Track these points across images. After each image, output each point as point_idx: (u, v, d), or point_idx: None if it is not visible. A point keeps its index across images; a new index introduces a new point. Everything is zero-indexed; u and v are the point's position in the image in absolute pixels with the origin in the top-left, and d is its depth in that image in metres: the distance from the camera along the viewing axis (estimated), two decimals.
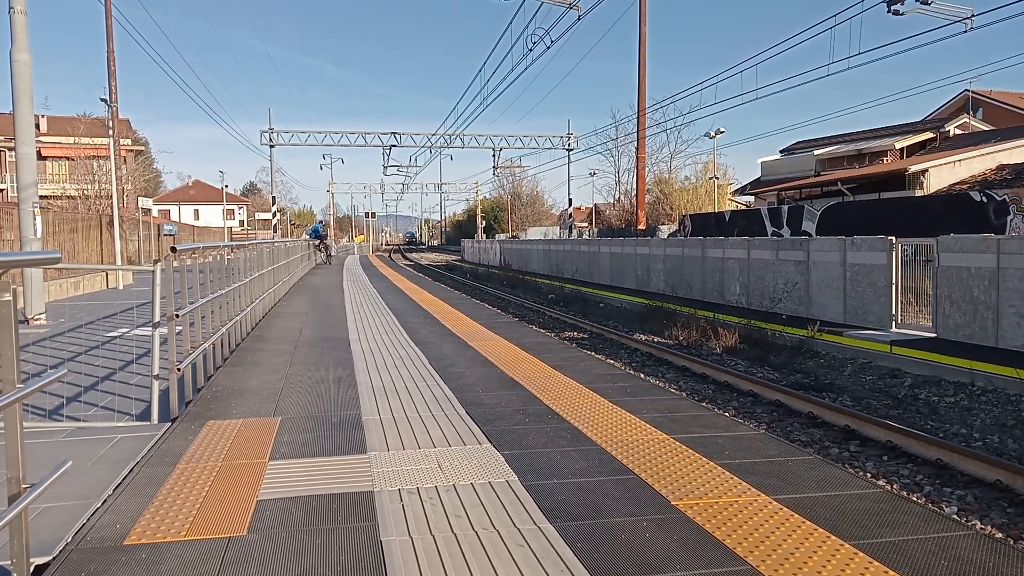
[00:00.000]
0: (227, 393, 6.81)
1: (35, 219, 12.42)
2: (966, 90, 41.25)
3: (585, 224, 73.93)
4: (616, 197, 65.52)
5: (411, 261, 58.86)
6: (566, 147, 47.30)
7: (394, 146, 48.11)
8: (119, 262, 22.15)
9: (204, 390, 6.94)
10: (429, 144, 49.21)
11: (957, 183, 26.78)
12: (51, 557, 3.41)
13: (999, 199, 19.66)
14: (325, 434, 5.40)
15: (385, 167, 52.04)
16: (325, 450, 5.01)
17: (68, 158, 40.82)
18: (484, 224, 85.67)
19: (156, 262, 6.06)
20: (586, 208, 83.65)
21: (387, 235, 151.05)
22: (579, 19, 22.31)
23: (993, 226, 18.90)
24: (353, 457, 4.85)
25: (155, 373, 5.87)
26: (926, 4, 17.99)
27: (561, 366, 8.07)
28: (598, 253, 27.77)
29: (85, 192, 35.19)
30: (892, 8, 17.86)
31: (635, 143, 33.39)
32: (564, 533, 3.63)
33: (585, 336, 16.10)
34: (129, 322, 12.51)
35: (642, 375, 10.99)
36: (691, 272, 20.30)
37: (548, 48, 23.21)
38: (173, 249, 6.30)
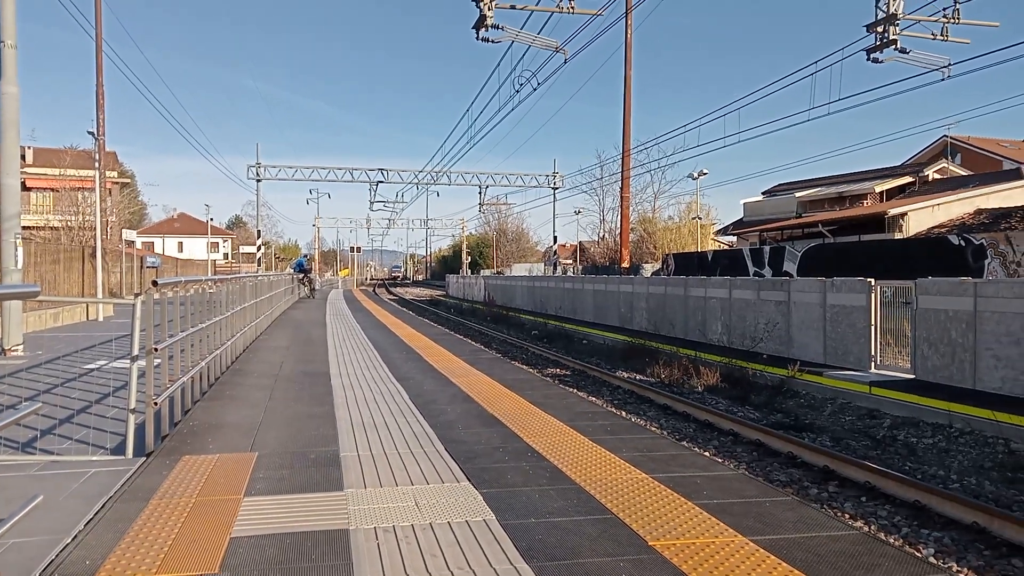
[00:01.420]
0: (204, 428, 6.75)
1: (17, 250, 12.36)
2: (945, 136, 42.05)
3: (570, 261, 74.24)
4: (601, 235, 65.91)
5: (395, 296, 58.76)
6: (552, 186, 47.67)
7: (381, 182, 48.32)
8: (101, 294, 21.99)
9: (181, 424, 6.88)
10: (416, 181, 49.44)
11: (936, 227, 27.17)
12: None
13: (977, 243, 19.95)
14: (302, 470, 5.36)
15: (371, 203, 52.17)
16: (301, 487, 4.97)
17: (53, 189, 40.62)
18: (469, 260, 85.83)
19: (137, 295, 6.04)
20: (571, 245, 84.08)
21: (372, 269, 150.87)
22: (565, 63, 22.60)
23: (971, 269, 19.15)
24: (330, 494, 4.81)
25: (132, 407, 5.81)
26: (904, 53, 18.39)
27: (542, 403, 8.06)
28: (582, 290, 27.87)
29: (69, 223, 34.98)
30: (872, 56, 18.25)
31: (620, 183, 33.74)
32: (541, 574, 3.61)
33: (567, 373, 16.09)
34: (108, 354, 12.40)
35: (623, 413, 10.98)
36: (673, 310, 20.39)
37: (535, 89, 23.45)
38: (154, 282, 6.28)
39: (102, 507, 4.53)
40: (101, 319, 20.81)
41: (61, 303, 19.48)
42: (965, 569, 5.67)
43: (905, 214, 27.41)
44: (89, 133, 25.81)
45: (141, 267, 32.31)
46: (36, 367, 10.85)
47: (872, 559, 3.85)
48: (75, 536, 4.05)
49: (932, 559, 5.78)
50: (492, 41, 20.75)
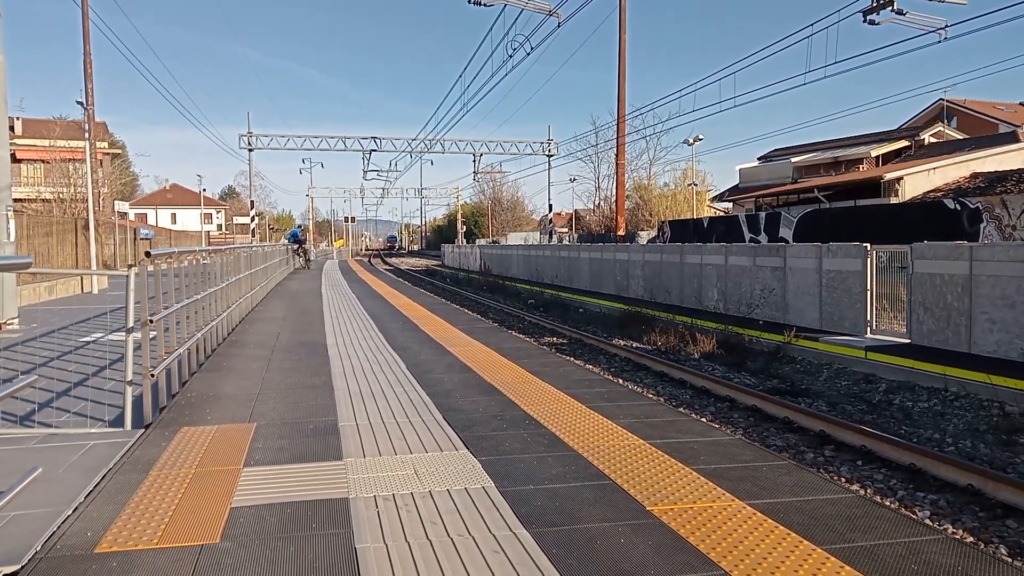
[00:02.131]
0: (202, 399, 6.75)
1: (8, 222, 12.27)
2: (941, 99, 41.87)
3: (565, 229, 74.09)
4: (596, 203, 65.77)
5: (391, 266, 58.69)
6: (546, 153, 47.44)
7: (374, 151, 48.05)
8: (94, 266, 21.91)
9: (179, 396, 6.88)
10: (409, 149, 49.19)
11: (932, 191, 27.12)
12: (19, 566, 3.36)
13: (972, 207, 19.94)
14: (301, 440, 5.37)
15: (365, 172, 51.93)
16: (300, 456, 4.98)
17: (43, 161, 40.28)
18: (464, 229, 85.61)
19: (130, 266, 6.00)
20: (566, 213, 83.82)
21: (367, 240, 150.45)
22: (559, 26, 22.39)
23: (966, 233, 19.16)
24: (329, 463, 4.83)
25: (129, 379, 5.80)
26: (901, 14, 18.21)
27: (539, 371, 8.08)
28: (578, 258, 27.85)
29: (60, 195, 34.76)
30: (868, 18, 18.07)
31: (615, 149, 33.54)
32: (540, 539, 3.63)
33: (564, 341, 16.12)
34: (103, 327, 12.38)
35: (620, 380, 11.02)
36: (669, 278, 20.40)
37: (529, 54, 23.26)
38: (147, 254, 6.24)
39: (102, 479, 4.54)
40: (96, 291, 20.75)
41: (55, 275, 19.41)
42: (960, 531, 5.73)
43: (901, 178, 27.34)
44: (78, 103, 25.57)
45: (134, 239, 32.21)
46: (32, 340, 10.83)
47: (868, 522, 3.88)
48: (75, 508, 4.06)
49: (928, 521, 5.84)
50: (484, 4, 20.54)
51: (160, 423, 5.87)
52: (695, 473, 4.63)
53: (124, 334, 5.92)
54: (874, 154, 33.49)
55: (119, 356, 8.83)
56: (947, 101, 41.70)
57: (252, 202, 50.46)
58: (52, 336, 11.31)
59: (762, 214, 29.01)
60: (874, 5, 17.68)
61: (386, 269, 49.64)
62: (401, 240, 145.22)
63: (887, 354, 11.40)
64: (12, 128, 38.04)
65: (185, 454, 5.03)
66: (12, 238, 12.43)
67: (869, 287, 13.18)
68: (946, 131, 36.50)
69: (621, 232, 32.85)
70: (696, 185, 50.54)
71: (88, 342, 10.67)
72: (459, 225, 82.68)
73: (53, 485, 4.40)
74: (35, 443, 5.37)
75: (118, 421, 5.88)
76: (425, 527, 3.79)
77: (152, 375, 5.94)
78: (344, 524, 3.82)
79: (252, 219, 49.14)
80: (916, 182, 27.44)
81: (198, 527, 3.78)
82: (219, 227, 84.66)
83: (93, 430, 5.71)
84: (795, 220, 25.85)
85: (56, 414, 6.26)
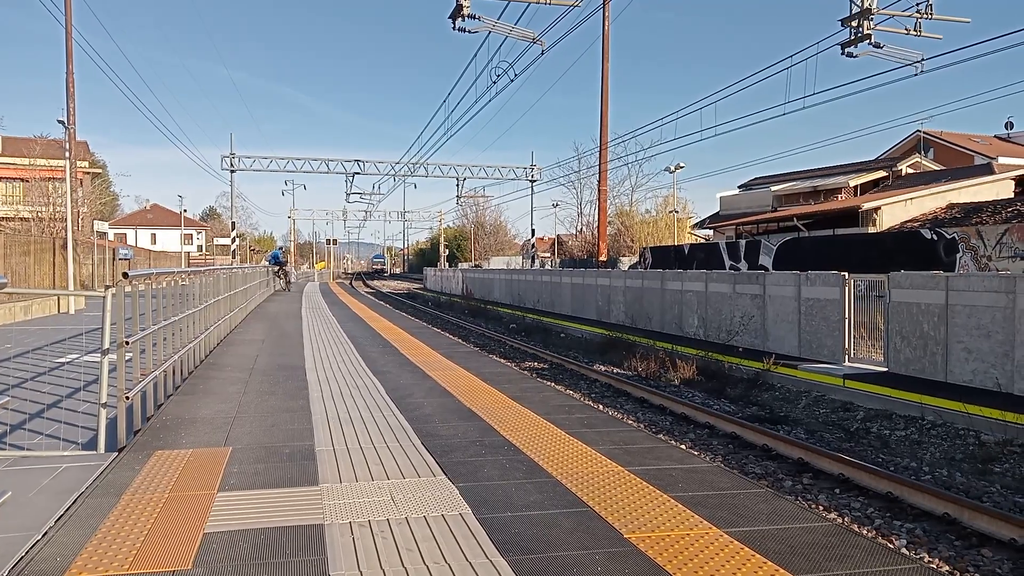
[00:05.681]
0: (177, 422, 6.67)
1: None
2: (918, 131, 42.56)
3: (548, 254, 74.30)
4: (578, 228, 66.07)
5: (372, 289, 58.48)
6: (529, 178, 47.66)
7: (357, 174, 48.02)
8: (72, 286, 21.68)
9: (154, 419, 6.80)
10: (393, 172, 49.22)
11: (909, 220, 27.49)
12: None
13: (949, 237, 20.22)
14: (276, 465, 5.32)
15: (348, 194, 51.84)
16: (276, 482, 4.93)
17: (23, 179, 39.93)
18: (447, 253, 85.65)
19: (107, 287, 5.95)
20: (549, 239, 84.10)
21: (349, 262, 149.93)
22: (543, 54, 22.58)
23: (943, 263, 19.41)
24: (304, 489, 4.78)
25: (103, 401, 5.73)
26: (878, 47, 18.55)
27: (520, 397, 8.06)
28: (560, 284, 27.90)
29: (39, 214, 34.45)
30: (846, 51, 18.39)
31: (597, 176, 33.77)
32: (516, 567, 3.61)
33: (545, 366, 16.11)
34: (79, 348, 12.23)
35: (600, 406, 11.02)
36: (651, 304, 20.48)
37: (512, 81, 23.42)
38: (125, 274, 6.19)
39: (73, 503, 4.46)
40: (73, 312, 20.53)
41: (30, 295, 19.19)
42: (936, 560, 5.75)
43: (879, 208, 27.72)
44: (59, 122, 25.32)
45: (113, 259, 31.94)
46: (5, 361, 10.68)
47: (845, 550, 3.89)
48: (45, 533, 3.99)
49: (904, 550, 5.86)
50: (468, 31, 20.68)
51: (134, 446, 5.79)
52: (673, 500, 4.63)
53: (100, 355, 5.85)
54: (852, 184, 33.95)
55: (94, 378, 8.71)
56: (924, 133, 42.41)
57: (233, 223, 50.19)
58: (26, 357, 11.16)
59: (742, 242, 29.26)
60: (852, 38, 18.00)
61: (367, 292, 49.46)
62: (386, 262, 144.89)
63: (865, 382, 11.47)
64: None
65: (159, 478, 4.96)
66: None
67: (847, 315, 13.28)
68: (923, 162, 37.09)
69: (603, 258, 32.98)
70: (677, 212, 50.94)
71: (63, 363, 10.53)
72: (442, 249, 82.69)
73: (23, 509, 4.33)
74: (5, 466, 5.28)
75: (91, 444, 5.80)
76: (401, 554, 3.75)
77: (127, 397, 5.87)
78: (319, 551, 3.78)
79: (233, 240, 48.89)
80: (894, 212, 27.82)
81: (170, 553, 3.72)
82: (199, 248, 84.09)
83: (65, 453, 5.63)
84: (775, 248, 26.10)
85: (28, 436, 6.17)
